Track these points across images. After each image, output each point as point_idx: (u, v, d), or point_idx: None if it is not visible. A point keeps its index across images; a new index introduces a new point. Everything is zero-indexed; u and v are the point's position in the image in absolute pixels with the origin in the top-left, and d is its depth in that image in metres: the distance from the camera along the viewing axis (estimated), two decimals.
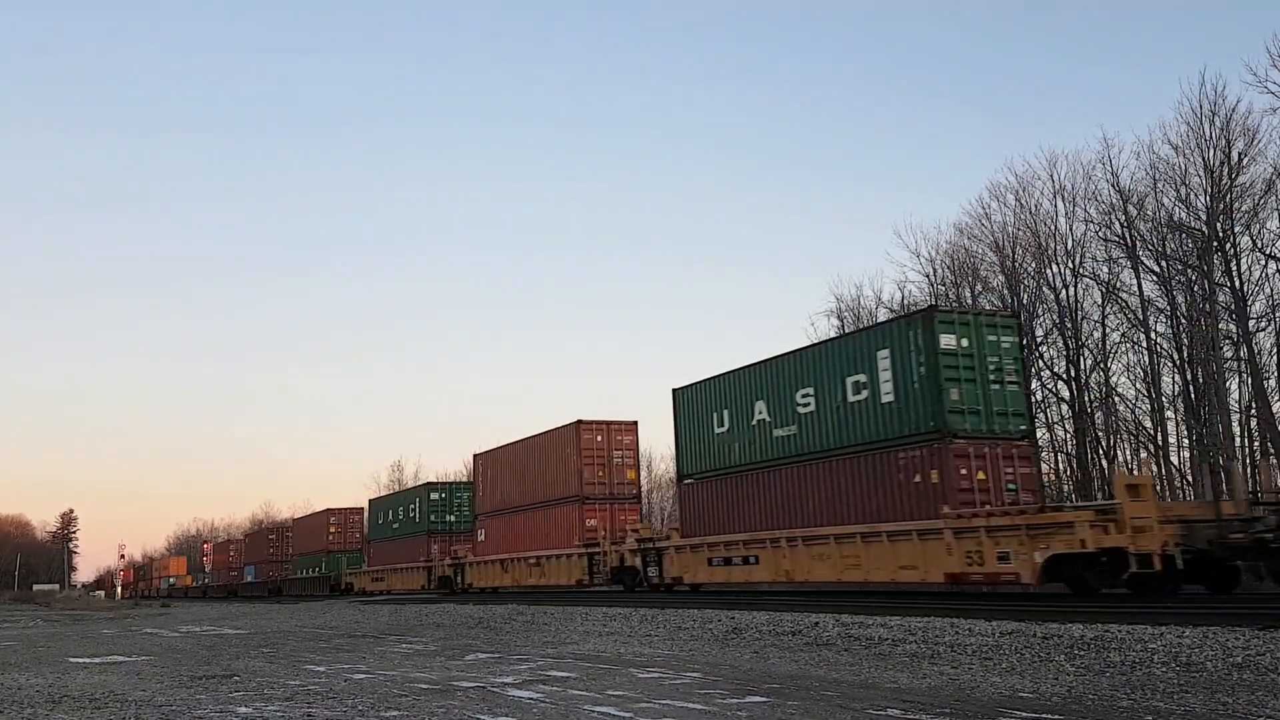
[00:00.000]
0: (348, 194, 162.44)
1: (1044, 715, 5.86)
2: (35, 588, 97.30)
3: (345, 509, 56.52)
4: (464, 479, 74.73)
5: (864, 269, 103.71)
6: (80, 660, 11.70)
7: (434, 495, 42.49)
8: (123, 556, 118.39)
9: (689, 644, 11.48)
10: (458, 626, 16.32)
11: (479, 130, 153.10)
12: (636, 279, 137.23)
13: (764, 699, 6.74)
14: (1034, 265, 37.14)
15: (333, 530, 53.88)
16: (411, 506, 43.80)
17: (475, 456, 37.71)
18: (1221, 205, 29.87)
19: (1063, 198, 36.09)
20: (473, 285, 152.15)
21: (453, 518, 41.65)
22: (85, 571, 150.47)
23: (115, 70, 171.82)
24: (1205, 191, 30.50)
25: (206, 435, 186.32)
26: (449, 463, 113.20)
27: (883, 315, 43.31)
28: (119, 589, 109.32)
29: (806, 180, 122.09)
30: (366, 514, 52.72)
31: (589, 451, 29.97)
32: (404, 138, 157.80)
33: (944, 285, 40.75)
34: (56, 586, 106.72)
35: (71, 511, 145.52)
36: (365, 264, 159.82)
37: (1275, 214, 29.53)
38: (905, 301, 42.00)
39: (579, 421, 30.18)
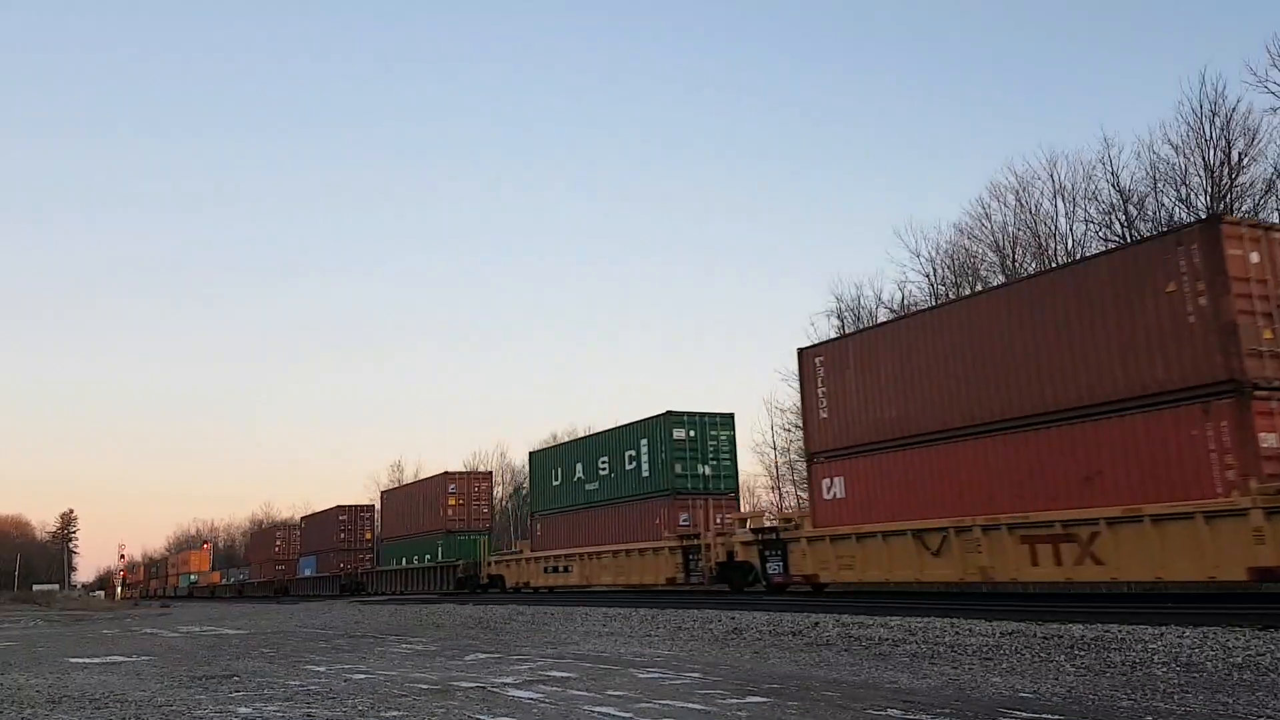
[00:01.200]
0: (346, 196, 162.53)
1: (1044, 715, 5.86)
2: (35, 588, 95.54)
3: (468, 473, 43.59)
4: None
5: (864, 269, 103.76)
6: (80, 660, 11.69)
7: (678, 433, 26.85)
8: (123, 556, 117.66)
9: (689, 644, 11.48)
10: (458, 627, 16.32)
11: (478, 132, 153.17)
12: (634, 280, 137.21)
13: (764, 699, 6.74)
14: (1034, 265, 37.17)
15: (453, 502, 40.80)
16: (630, 454, 28.21)
17: (802, 351, 21.35)
18: (1222, 205, 29.87)
19: (1063, 198, 36.14)
20: (471, 287, 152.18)
21: (707, 469, 26.94)
22: (85, 572, 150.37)
23: (119, 72, 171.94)
24: (1206, 192, 30.53)
25: (206, 435, 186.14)
26: (450, 462, 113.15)
27: (883, 315, 43.39)
28: (119, 589, 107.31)
29: (806, 180, 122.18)
30: (529, 470, 36.58)
31: (1241, 283, 13.62)
32: (403, 140, 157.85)
33: (944, 285, 40.83)
34: (56, 587, 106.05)
35: (71, 512, 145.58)
36: (363, 266, 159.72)
37: (1276, 214, 29.53)
38: (905, 301, 42.09)
39: (1221, 218, 15.28)
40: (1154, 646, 8.72)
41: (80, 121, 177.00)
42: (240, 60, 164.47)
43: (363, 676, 8.80)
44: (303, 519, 62.57)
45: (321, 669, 9.65)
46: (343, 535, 51.57)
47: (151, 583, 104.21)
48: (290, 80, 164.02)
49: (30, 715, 6.95)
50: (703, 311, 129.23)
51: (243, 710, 6.77)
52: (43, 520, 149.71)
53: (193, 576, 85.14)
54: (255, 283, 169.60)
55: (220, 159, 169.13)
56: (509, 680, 8.21)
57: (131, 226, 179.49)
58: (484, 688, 7.72)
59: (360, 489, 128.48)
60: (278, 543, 64.22)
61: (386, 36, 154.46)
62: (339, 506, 53.92)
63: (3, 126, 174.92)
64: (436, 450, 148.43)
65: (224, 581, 77.87)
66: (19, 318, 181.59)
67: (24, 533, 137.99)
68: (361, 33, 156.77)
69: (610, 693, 7.24)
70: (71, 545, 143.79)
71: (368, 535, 51.50)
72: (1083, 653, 8.70)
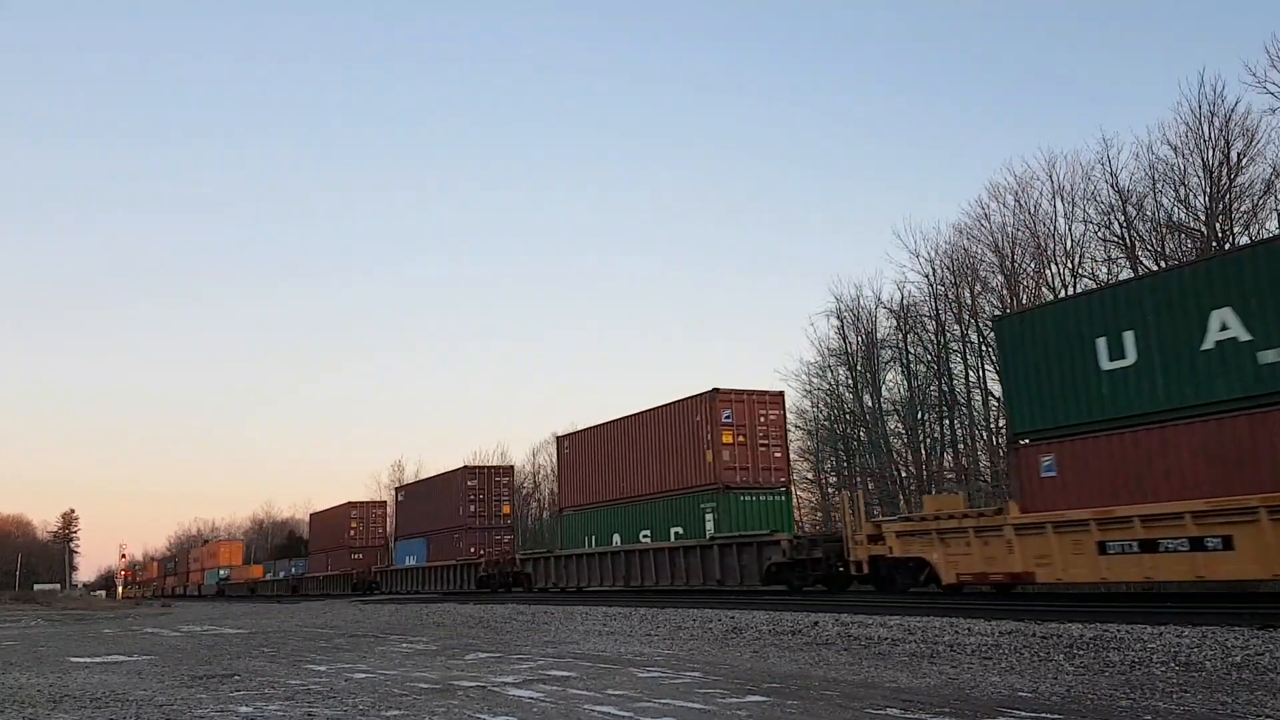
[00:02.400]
0: (346, 196, 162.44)
1: (1043, 715, 5.87)
2: (36, 587, 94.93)
3: (750, 392, 25.62)
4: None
5: (863, 269, 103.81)
6: (81, 660, 11.71)
7: None
8: (124, 556, 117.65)
9: (689, 643, 11.50)
10: (458, 626, 16.34)
11: (478, 132, 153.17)
12: (635, 281, 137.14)
13: (764, 698, 6.76)
14: (1033, 266, 37.20)
15: (729, 440, 24.60)
16: None
17: None
18: (1220, 206, 29.89)
19: (1062, 198, 36.14)
20: (471, 287, 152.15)
21: None
22: (86, 571, 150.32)
23: (119, 72, 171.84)
24: (1204, 192, 30.54)
25: (207, 436, 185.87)
26: (451, 462, 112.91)
27: (882, 316, 43.37)
28: (120, 588, 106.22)
29: (805, 181, 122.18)
30: (998, 347, 19.35)
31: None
32: (403, 140, 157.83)
33: (943, 285, 40.84)
34: (57, 586, 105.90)
35: (73, 511, 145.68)
36: (363, 266, 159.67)
37: (1274, 214, 29.57)
38: (905, 302, 42.11)
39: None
40: (1153, 646, 8.74)
41: (80, 121, 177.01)
42: (240, 61, 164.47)
43: (364, 675, 8.82)
44: (399, 489, 48.15)
45: (322, 668, 9.67)
46: (472, 508, 38.64)
47: (168, 580, 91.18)
48: (290, 80, 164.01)
49: (32, 714, 6.97)
50: (702, 311, 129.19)
51: (244, 709, 6.79)
52: (44, 520, 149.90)
53: (222, 572, 72.26)
54: (255, 283, 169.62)
55: (220, 159, 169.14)
56: (509, 679, 8.22)
57: (131, 226, 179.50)
58: (484, 687, 7.73)
59: (361, 489, 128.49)
60: (352, 525, 50.79)
61: (386, 37, 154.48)
62: (465, 468, 40.14)
63: (3, 126, 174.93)
64: (436, 450, 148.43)
65: (269, 576, 63.89)
66: (19, 318, 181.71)
67: (25, 532, 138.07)
68: (361, 33, 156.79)
69: (610, 692, 7.25)
70: (73, 545, 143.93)
71: (505, 508, 39.21)
72: (1081, 652, 8.72)
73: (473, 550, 37.30)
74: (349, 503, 53.42)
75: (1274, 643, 8.41)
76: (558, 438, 32.27)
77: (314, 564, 56.00)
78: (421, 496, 43.26)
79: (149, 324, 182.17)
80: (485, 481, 39.25)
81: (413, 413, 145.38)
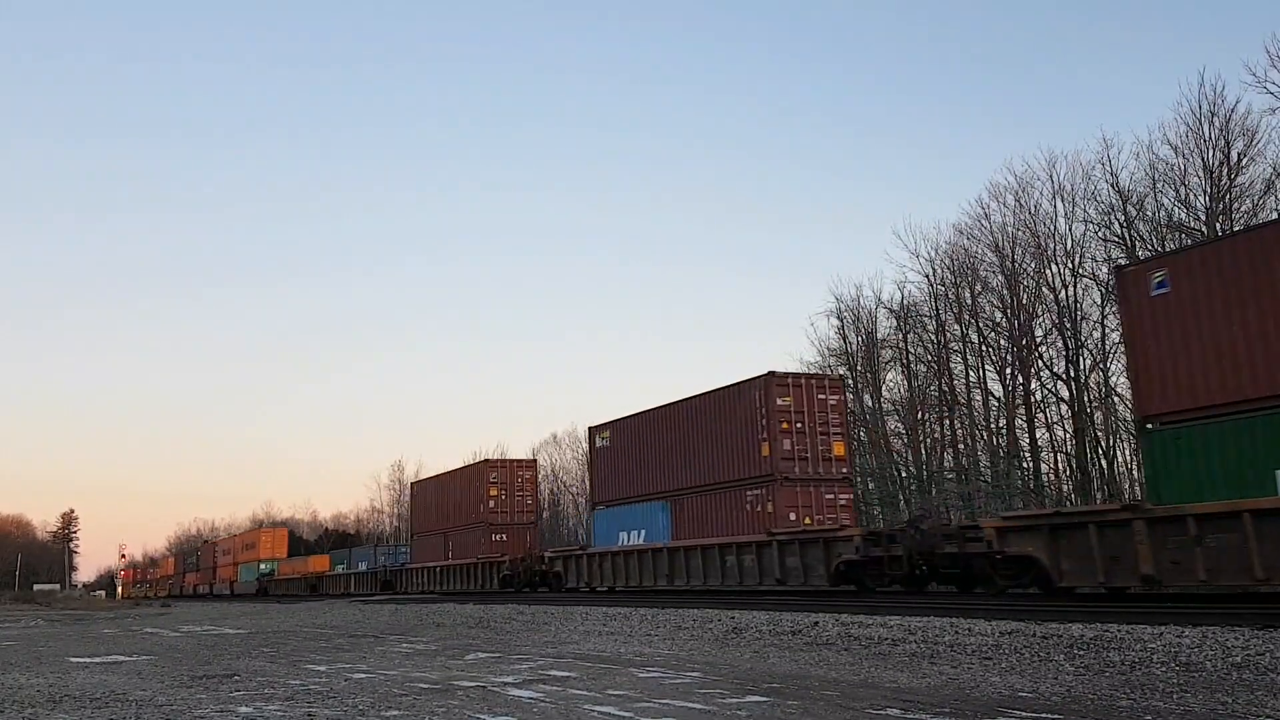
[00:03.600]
0: (347, 196, 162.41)
1: (1043, 715, 5.87)
2: (35, 587, 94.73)
3: None
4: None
5: (864, 269, 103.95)
6: (81, 660, 11.70)
7: None
8: (123, 556, 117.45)
9: (689, 644, 11.49)
10: (458, 626, 16.33)
11: (478, 132, 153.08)
12: (634, 280, 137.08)
13: (764, 698, 6.75)
14: (1033, 265, 37.22)
15: None
16: None
17: None
18: (1221, 205, 29.90)
19: (1062, 198, 36.17)
20: (471, 287, 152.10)
21: None
22: (86, 572, 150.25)
23: (119, 73, 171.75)
24: (1204, 192, 30.57)
25: (206, 436, 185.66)
26: (450, 461, 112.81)
27: (882, 316, 43.35)
28: (119, 588, 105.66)
29: (805, 181, 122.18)
30: None
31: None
32: (402, 140, 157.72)
33: (943, 285, 40.86)
34: (57, 586, 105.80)
35: (72, 511, 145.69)
36: (363, 266, 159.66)
37: (1275, 214, 29.57)
38: (905, 302, 42.11)
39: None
40: (1153, 646, 8.73)
41: (80, 121, 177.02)
42: (240, 60, 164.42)
43: (363, 676, 8.81)
44: (598, 429, 29.80)
45: (322, 668, 9.66)
46: (786, 445, 22.20)
47: (187, 577, 78.04)
48: (290, 80, 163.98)
49: (31, 715, 6.96)
50: (702, 311, 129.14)
51: (244, 709, 6.78)
52: (44, 520, 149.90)
53: (264, 566, 58.97)
54: (256, 283, 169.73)
55: (220, 159, 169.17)
56: (509, 679, 8.22)
57: (131, 226, 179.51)
58: (484, 687, 7.73)
59: (361, 489, 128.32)
60: (492, 493, 35.66)
61: (386, 37, 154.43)
62: (771, 375, 22.85)
63: (3, 126, 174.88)
64: (436, 450, 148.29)
65: (341, 570, 49.18)
66: (19, 318, 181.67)
67: (25, 532, 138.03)
68: (361, 33, 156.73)
69: (610, 692, 7.25)
70: (72, 545, 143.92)
71: (838, 447, 23.06)
72: (1082, 652, 8.72)
73: (793, 517, 21.50)
74: (485, 461, 38.44)
75: (1274, 643, 8.41)
76: (1117, 269, 17.33)
77: (421, 550, 40.35)
78: (658, 434, 26.49)
79: (149, 324, 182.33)
80: (803, 399, 22.56)
81: (413, 413, 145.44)
